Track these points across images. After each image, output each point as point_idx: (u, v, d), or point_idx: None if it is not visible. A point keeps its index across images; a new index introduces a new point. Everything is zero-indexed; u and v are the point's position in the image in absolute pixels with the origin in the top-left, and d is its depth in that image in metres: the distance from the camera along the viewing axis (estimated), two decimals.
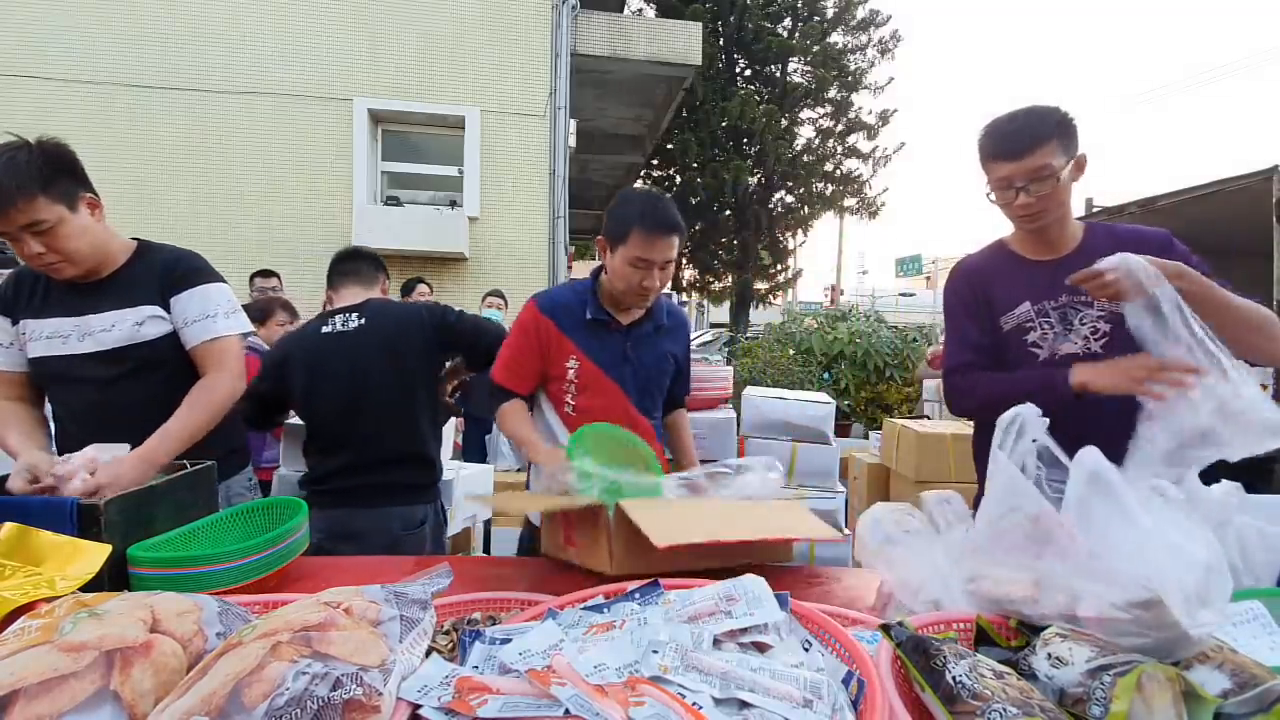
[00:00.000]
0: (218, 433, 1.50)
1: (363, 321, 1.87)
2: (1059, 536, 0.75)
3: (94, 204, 1.45)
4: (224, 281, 1.61)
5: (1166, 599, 0.66)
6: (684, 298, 19.66)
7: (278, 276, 4.07)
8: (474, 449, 4.23)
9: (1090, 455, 0.84)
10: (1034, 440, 0.94)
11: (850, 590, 1.12)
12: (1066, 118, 1.32)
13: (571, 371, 1.56)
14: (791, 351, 6.56)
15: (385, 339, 1.85)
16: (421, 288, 4.36)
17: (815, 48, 13.90)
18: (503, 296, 4.63)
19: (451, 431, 2.97)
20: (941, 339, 4.12)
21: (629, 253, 1.47)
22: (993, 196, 1.38)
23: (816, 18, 14.05)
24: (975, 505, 1.02)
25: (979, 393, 1.44)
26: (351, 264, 2.04)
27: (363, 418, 1.78)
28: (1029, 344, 1.41)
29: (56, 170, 1.37)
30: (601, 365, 1.57)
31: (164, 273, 1.54)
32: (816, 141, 15.07)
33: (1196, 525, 0.77)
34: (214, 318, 1.53)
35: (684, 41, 7.26)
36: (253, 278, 4.11)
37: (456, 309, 1.98)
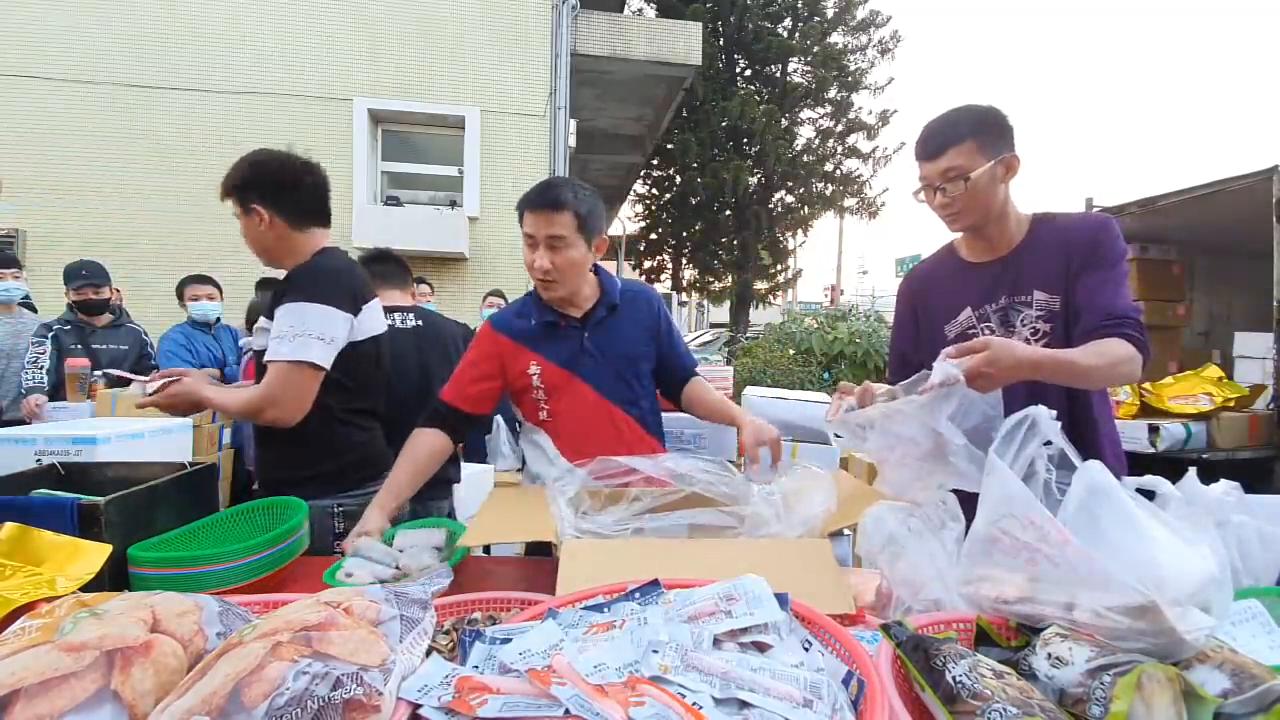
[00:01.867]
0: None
1: (420, 323, 1.94)
2: (1055, 543, 0.74)
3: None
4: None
5: (1161, 604, 0.66)
6: (684, 298, 19.68)
7: None
8: (474, 449, 4.23)
9: (1094, 466, 0.84)
10: (1046, 443, 0.93)
11: (850, 589, 1.11)
12: (990, 118, 1.32)
13: (535, 378, 1.55)
14: (791, 351, 6.56)
15: (440, 341, 1.93)
16: (423, 288, 4.36)
17: (815, 48, 13.90)
18: (504, 296, 4.63)
19: None
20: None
21: (523, 232, 1.49)
22: (921, 196, 1.40)
23: (816, 18, 14.05)
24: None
25: None
26: (383, 266, 2.08)
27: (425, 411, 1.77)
28: None
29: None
30: (562, 364, 1.55)
31: None
32: (816, 141, 15.07)
33: (1201, 534, 0.77)
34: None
35: (684, 41, 7.26)
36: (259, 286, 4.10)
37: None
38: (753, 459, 1.35)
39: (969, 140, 1.29)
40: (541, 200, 1.46)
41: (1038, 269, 1.37)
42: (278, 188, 1.58)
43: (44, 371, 3.15)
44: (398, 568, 1.10)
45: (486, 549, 1.58)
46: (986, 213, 1.36)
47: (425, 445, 1.50)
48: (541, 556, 1.44)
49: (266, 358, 1.50)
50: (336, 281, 1.54)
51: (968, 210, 1.34)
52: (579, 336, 1.56)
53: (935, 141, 1.32)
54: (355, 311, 1.55)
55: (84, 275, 3.26)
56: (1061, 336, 1.34)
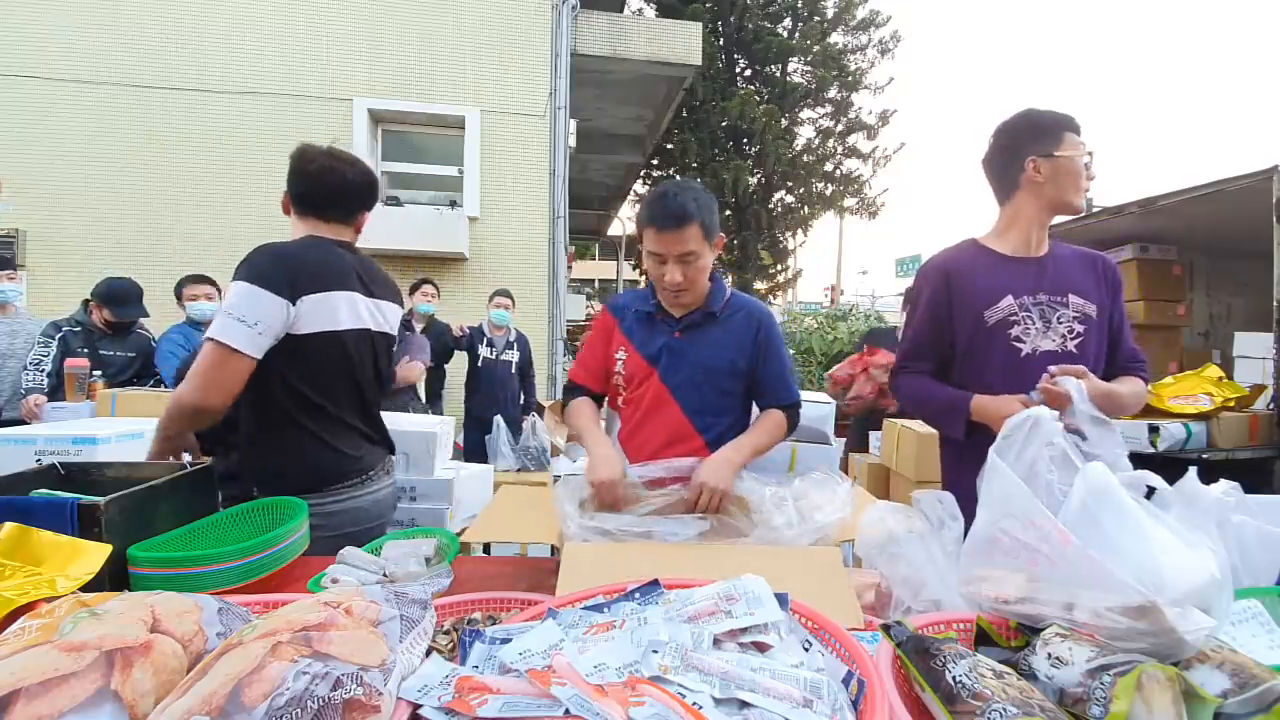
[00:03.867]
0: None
1: None
2: (1056, 543, 0.74)
3: None
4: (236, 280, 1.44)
5: (1161, 604, 0.66)
6: None
7: None
8: (474, 449, 4.23)
9: (1095, 468, 0.84)
10: (1049, 444, 0.93)
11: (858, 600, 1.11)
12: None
13: (620, 363, 1.59)
14: (791, 351, 6.56)
15: None
16: (427, 288, 4.35)
17: (815, 48, 13.90)
18: (510, 296, 4.61)
19: (452, 431, 2.98)
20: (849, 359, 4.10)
21: (647, 249, 1.49)
22: (1072, 161, 1.46)
23: (816, 18, 14.05)
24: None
25: (905, 394, 1.59)
26: None
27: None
28: (1013, 338, 1.45)
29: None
30: (646, 355, 1.56)
31: None
32: (816, 141, 15.07)
33: (1202, 534, 0.77)
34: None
35: (684, 41, 7.26)
36: None
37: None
38: (691, 492, 1.31)
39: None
40: (669, 218, 1.41)
41: (1072, 277, 1.48)
42: (292, 172, 1.63)
43: (44, 374, 3.15)
44: (384, 575, 1.10)
45: (487, 549, 1.58)
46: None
47: (588, 406, 1.60)
48: (542, 556, 1.44)
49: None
50: (277, 264, 1.44)
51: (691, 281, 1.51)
52: (670, 333, 1.57)
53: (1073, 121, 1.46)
54: (292, 299, 1.42)
55: (117, 303, 3.25)
56: (1094, 342, 1.45)
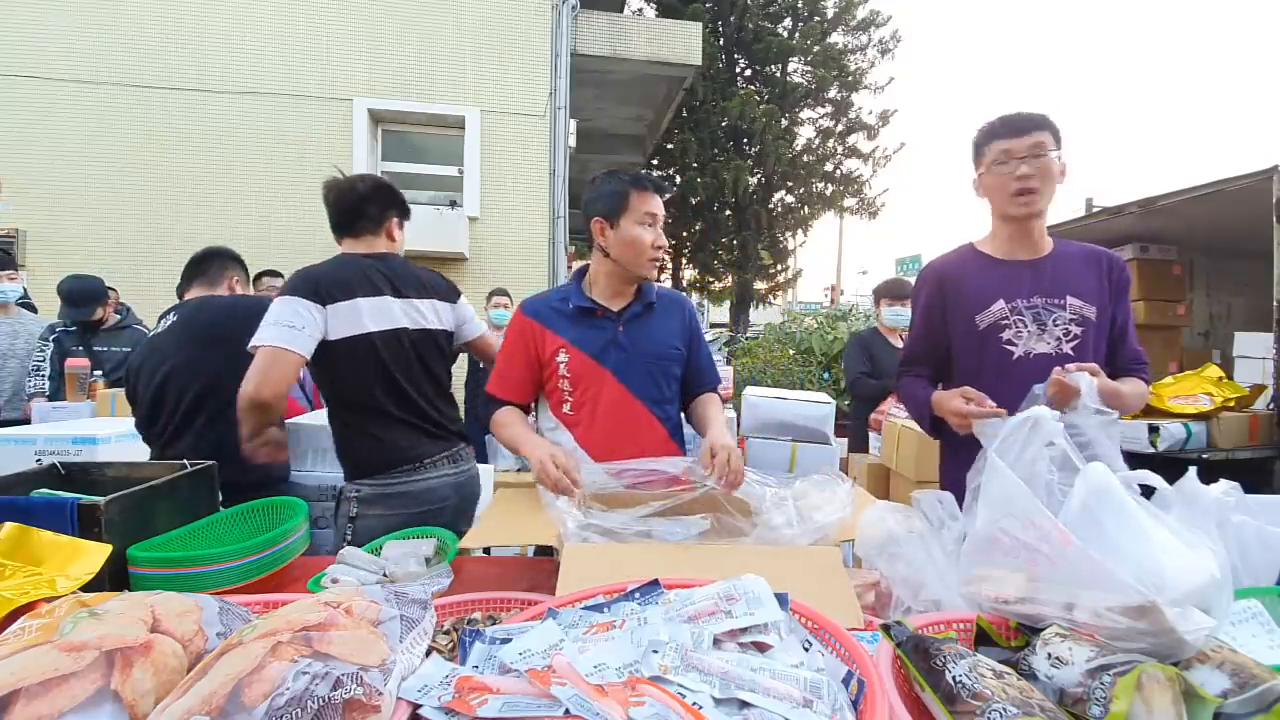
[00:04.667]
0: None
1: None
2: (1055, 543, 0.74)
3: None
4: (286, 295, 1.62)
5: (1161, 604, 0.66)
6: None
7: (283, 276, 4.07)
8: (475, 449, 4.22)
9: (1096, 468, 0.84)
10: (1049, 444, 0.93)
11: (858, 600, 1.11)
12: (1056, 126, 1.45)
13: (563, 366, 1.54)
14: (791, 351, 6.56)
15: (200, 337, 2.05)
16: None
17: (815, 48, 13.90)
18: (508, 295, 4.60)
19: None
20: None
21: (636, 214, 1.49)
22: (991, 174, 1.46)
23: (817, 18, 14.05)
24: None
25: (902, 397, 1.64)
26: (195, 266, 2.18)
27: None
28: (1004, 341, 1.46)
29: None
30: (591, 354, 1.53)
31: None
32: (816, 141, 15.07)
33: (1202, 535, 0.77)
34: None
35: (684, 41, 7.26)
36: (259, 276, 4.10)
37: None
38: (704, 463, 1.31)
39: (1049, 130, 1.42)
40: (658, 181, 1.54)
41: (1071, 278, 1.47)
42: (326, 208, 1.79)
43: (45, 378, 3.17)
44: (384, 575, 1.10)
45: (487, 549, 1.58)
46: (1047, 203, 1.46)
47: (514, 412, 1.57)
48: (543, 556, 1.44)
49: None
50: (305, 280, 1.62)
51: (1042, 191, 1.43)
52: (613, 328, 1.55)
53: (1022, 121, 1.43)
54: (322, 304, 1.60)
55: (72, 304, 3.20)
56: (1092, 343, 1.44)
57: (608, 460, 1.34)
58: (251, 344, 1.53)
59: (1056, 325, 1.43)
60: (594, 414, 1.53)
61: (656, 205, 1.52)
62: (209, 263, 2.12)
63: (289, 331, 1.54)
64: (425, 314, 1.78)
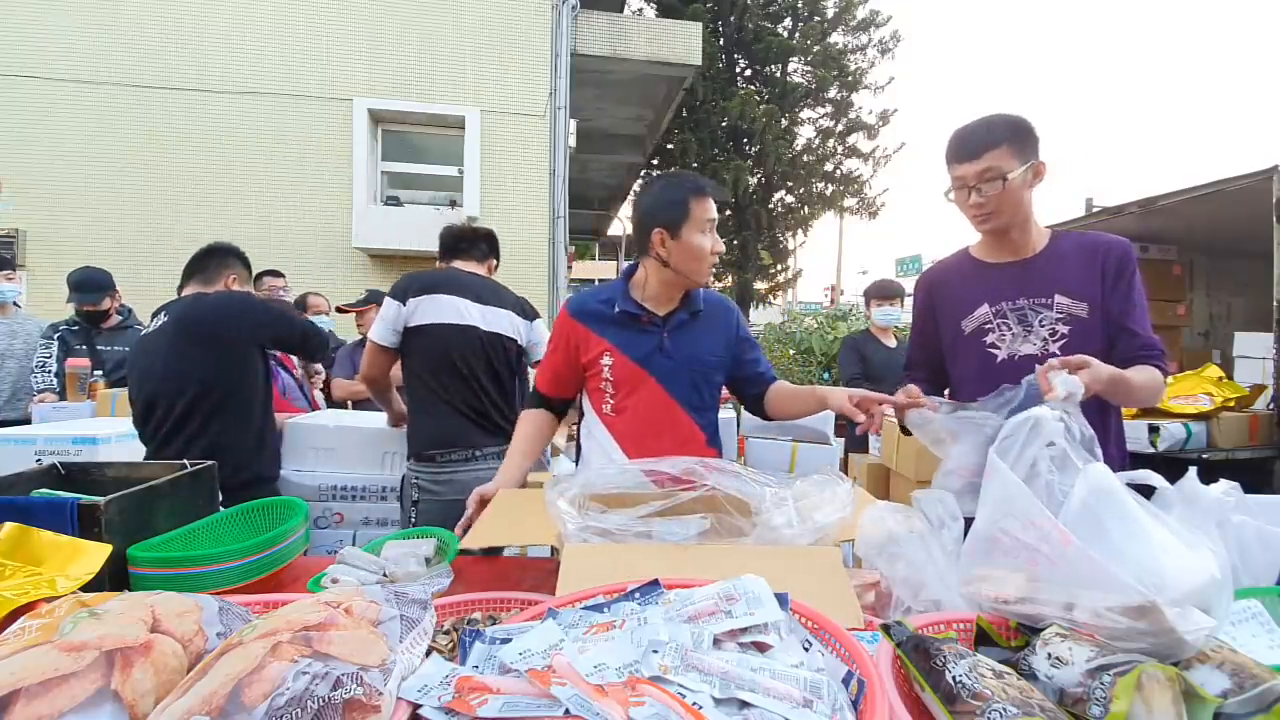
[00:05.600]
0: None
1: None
2: (1056, 543, 0.74)
3: None
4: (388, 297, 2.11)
5: (1161, 604, 0.66)
6: None
7: (284, 276, 4.07)
8: None
9: (1097, 469, 0.84)
10: (1049, 444, 0.93)
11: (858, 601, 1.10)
12: (1023, 126, 1.38)
13: (606, 369, 1.55)
14: (791, 351, 6.56)
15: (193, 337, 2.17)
16: None
17: (815, 48, 13.90)
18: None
19: None
20: None
21: (698, 222, 1.49)
22: (951, 196, 1.44)
23: (817, 18, 14.04)
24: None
25: None
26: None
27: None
28: (987, 345, 1.46)
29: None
30: (636, 359, 1.54)
31: None
32: (816, 141, 15.06)
33: (1203, 535, 0.77)
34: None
35: (684, 41, 7.26)
36: (260, 276, 4.10)
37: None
38: (854, 416, 1.35)
39: (1005, 145, 1.35)
40: (712, 186, 1.53)
41: (1061, 275, 1.43)
42: (448, 233, 2.32)
43: (51, 374, 3.17)
44: (384, 575, 1.10)
45: (499, 550, 1.58)
46: (1014, 215, 1.41)
47: (531, 423, 1.61)
48: (542, 557, 1.44)
49: None
50: (401, 280, 2.09)
51: (1000, 211, 1.39)
52: (658, 334, 1.55)
53: (972, 143, 1.37)
54: (403, 301, 2.04)
55: (79, 289, 3.23)
56: (1080, 342, 1.37)
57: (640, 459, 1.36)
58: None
59: (1043, 326, 1.41)
60: (634, 417, 1.54)
61: (714, 210, 1.51)
62: (209, 259, 2.13)
63: (378, 324, 2.04)
64: (500, 321, 2.13)
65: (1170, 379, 3.71)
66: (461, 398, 2.04)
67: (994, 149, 1.35)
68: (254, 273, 4.16)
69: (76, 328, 3.29)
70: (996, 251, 1.50)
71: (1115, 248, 1.43)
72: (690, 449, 1.49)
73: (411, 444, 2.08)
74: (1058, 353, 1.38)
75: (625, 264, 1.77)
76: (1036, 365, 1.19)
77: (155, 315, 2.04)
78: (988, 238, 1.49)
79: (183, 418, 1.91)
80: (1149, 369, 1.34)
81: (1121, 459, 1.45)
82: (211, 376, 1.89)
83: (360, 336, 3.80)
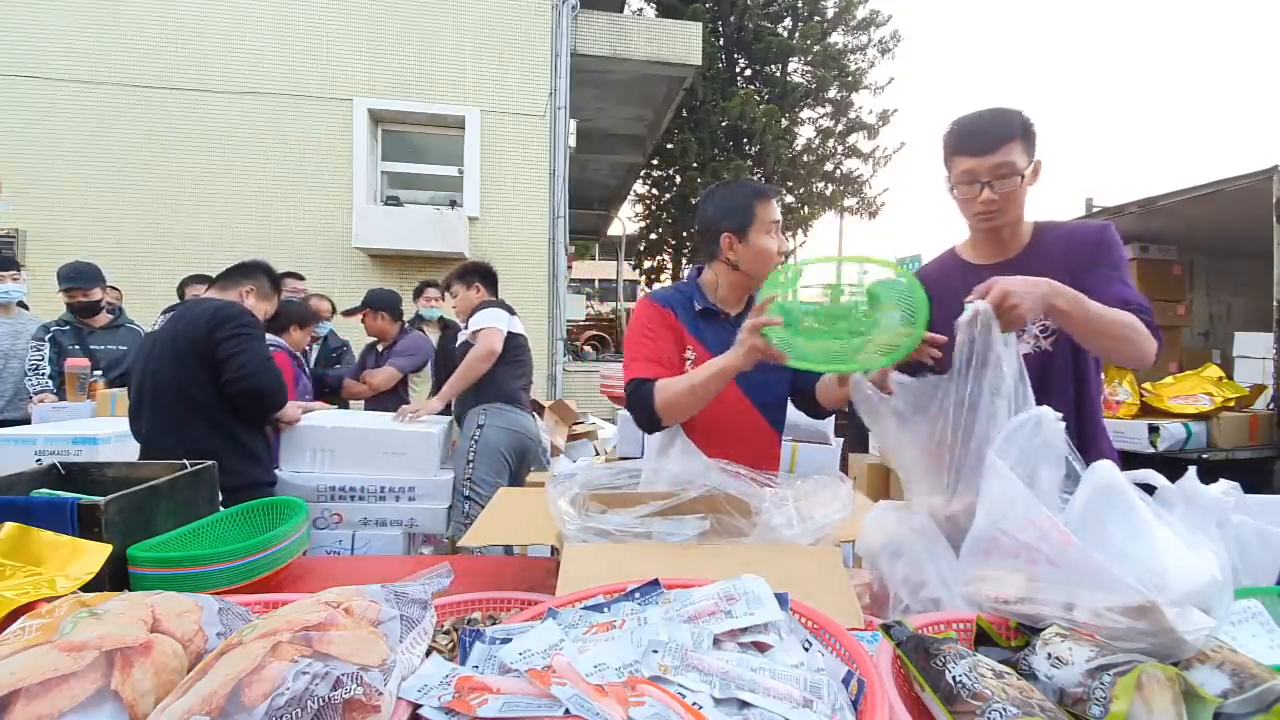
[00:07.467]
0: None
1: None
2: (1055, 543, 0.74)
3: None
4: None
5: (1161, 604, 0.66)
6: None
7: (304, 279, 4.06)
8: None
9: (1103, 467, 0.83)
10: (1050, 445, 0.93)
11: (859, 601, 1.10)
12: (1029, 122, 1.33)
13: (688, 364, 1.55)
14: None
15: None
16: (431, 291, 4.30)
17: (815, 48, 13.89)
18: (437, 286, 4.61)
19: (452, 432, 2.97)
20: None
21: (764, 225, 1.52)
22: (955, 192, 1.39)
23: (817, 18, 14.04)
24: None
25: None
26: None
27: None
28: None
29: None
30: (716, 354, 1.51)
31: None
32: (816, 141, 15.05)
33: (1204, 535, 0.77)
34: None
35: (684, 41, 7.26)
36: (283, 277, 4.09)
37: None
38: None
39: (1018, 139, 1.30)
40: (773, 189, 1.56)
41: (1047, 271, 1.37)
42: (478, 274, 3.21)
43: (45, 376, 3.17)
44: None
45: (508, 548, 1.58)
46: (1017, 214, 1.37)
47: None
48: (542, 557, 1.44)
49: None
50: (496, 303, 3.11)
51: (1007, 209, 1.35)
52: (735, 333, 1.51)
53: (989, 136, 1.31)
54: (510, 313, 3.05)
55: (71, 278, 3.25)
56: (1069, 339, 1.34)
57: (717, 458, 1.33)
58: (478, 326, 2.87)
59: (1033, 323, 1.38)
60: (709, 413, 1.53)
61: (777, 212, 1.54)
62: (237, 270, 2.22)
63: (505, 318, 2.95)
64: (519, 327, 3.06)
65: (1173, 379, 3.70)
66: (522, 378, 3.12)
67: (1009, 143, 1.29)
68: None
69: (67, 328, 3.28)
70: (985, 250, 1.47)
71: (1085, 234, 1.40)
72: (761, 444, 1.57)
73: (479, 396, 2.88)
74: (1050, 349, 1.38)
75: (690, 267, 1.74)
76: (1036, 361, 1.18)
77: (164, 313, 2.14)
78: (978, 236, 1.46)
79: (160, 415, 2.00)
80: (1123, 312, 1.25)
81: (1111, 454, 1.43)
82: (188, 380, 1.97)
83: (371, 340, 3.80)
